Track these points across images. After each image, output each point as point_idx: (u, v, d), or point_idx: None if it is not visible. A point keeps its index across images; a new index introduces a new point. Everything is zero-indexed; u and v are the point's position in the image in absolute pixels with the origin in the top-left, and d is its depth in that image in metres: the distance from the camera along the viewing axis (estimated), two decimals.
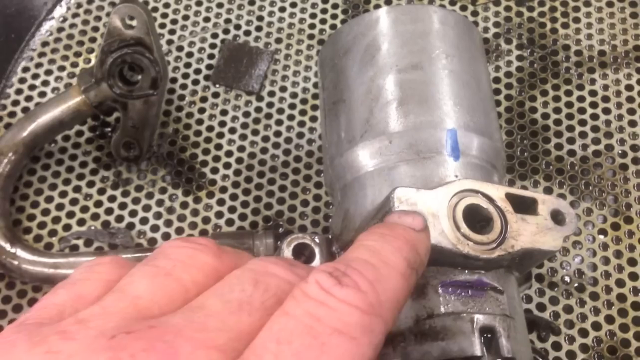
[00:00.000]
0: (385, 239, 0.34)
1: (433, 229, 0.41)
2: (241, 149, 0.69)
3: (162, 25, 0.75)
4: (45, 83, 0.73)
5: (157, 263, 0.32)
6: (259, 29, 0.75)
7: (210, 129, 0.70)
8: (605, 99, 0.69)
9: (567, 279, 0.62)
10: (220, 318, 0.29)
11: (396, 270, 0.32)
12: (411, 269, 0.33)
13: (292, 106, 0.71)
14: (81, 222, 0.66)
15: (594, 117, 0.69)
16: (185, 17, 0.75)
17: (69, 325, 0.29)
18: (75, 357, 0.27)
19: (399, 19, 0.54)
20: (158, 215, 0.66)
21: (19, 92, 0.72)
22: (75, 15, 0.76)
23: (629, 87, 0.70)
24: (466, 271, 0.44)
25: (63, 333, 0.28)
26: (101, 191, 0.67)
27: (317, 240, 0.50)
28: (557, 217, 0.45)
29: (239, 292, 0.30)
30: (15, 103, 0.72)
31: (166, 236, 0.65)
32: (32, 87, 0.72)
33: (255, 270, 0.32)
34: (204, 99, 0.71)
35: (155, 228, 0.66)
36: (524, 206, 0.45)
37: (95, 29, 0.75)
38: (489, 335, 0.42)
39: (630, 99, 0.69)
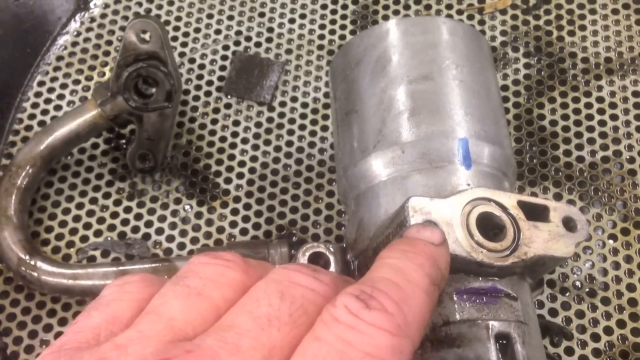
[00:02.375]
0: (407, 256, 0.35)
1: (447, 237, 0.42)
2: (254, 159, 0.70)
3: (175, 39, 0.76)
4: (60, 97, 0.74)
5: (188, 282, 0.32)
6: (269, 40, 0.76)
7: (223, 139, 0.71)
8: (613, 106, 0.70)
9: (578, 284, 0.63)
10: (252, 336, 0.29)
11: (420, 287, 0.33)
12: (434, 285, 0.34)
13: (304, 116, 0.72)
14: (98, 233, 0.67)
15: (602, 123, 0.69)
16: (197, 30, 0.77)
17: (108, 351, 0.29)
18: None
19: (408, 30, 0.55)
20: (173, 226, 0.67)
21: (35, 105, 0.73)
22: (89, 29, 0.77)
23: (636, 94, 0.70)
24: (480, 278, 0.45)
25: None
26: (117, 202, 0.68)
27: (331, 249, 0.51)
28: (568, 224, 0.45)
29: (267, 307, 0.30)
30: (32, 117, 0.73)
31: (181, 246, 0.66)
32: (48, 101, 0.74)
33: (279, 281, 0.32)
34: (216, 110, 0.73)
35: (170, 238, 0.67)
36: (536, 213, 0.46)
37: (109, 43, 0.76)
38: (504, 342, 0.43)
39: (637, 105, 0.70)
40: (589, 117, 0.70)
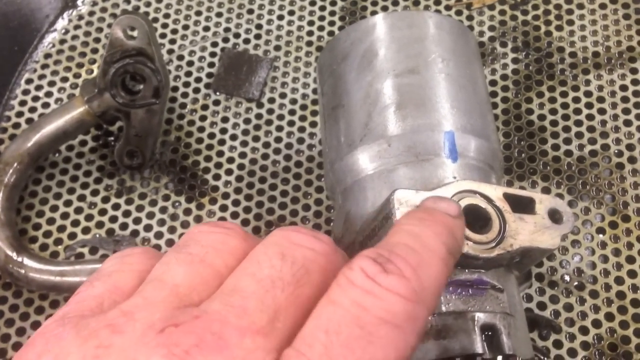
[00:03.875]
0: (424, 224, 0.34)
1: None
2: (242, 155, 0.70)
3: (163, 35, 0.76)
4: (48, 94, 0.74)
5: (190, 250, 0.32)
6: (258, 37, 0.76)
7: (211, 136, 0.71)
8: (601, 100, 0.70)
9: (566, 277, 0.63)
10: (257, 298, 0.29)
11: (437, 255, 0.33)
12: (450, 254, 0.34)
13: (292, 112, 0.72)
14: (86, 230, 0.67)
15: (590, 117, 0.69)
16: (185, 27, 0.77)
17: (115, 317, 0.29)
18: (127, 351, 0.27)
19: (395, 24, 0.55)
20: (162, 222, 0.67)
21: (22, 103, 0.73)
22: (77, 27, 0.77)
23: (624, 87, 0.71)
24: (466, 270, 0.45)
25: (112, 327, 0.28)
26: (105, 199, 0.68)
27: None
28: (554, 216, 0.46)
29: (269, 269, 0.30)
30: (19, 114, 0.73)
31: (170, 243, 0.66)
32: (35, 99, 0.73)
33: (278, 242, 0.32)
34: (205, 107, 0.72)
35: (159, 235, 0.67)
36: (522, 206, 0.46)
37: (97, 40, 0.76)
38: (490, 333, 0.43)
39: (625, 99, 0.70)
40: (577, 111, 0.70)
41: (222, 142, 0.71)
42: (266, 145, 0.70)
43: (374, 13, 0.76)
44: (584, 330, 0.61)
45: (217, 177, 0.69)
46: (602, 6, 0.75)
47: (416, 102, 0.51)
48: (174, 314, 0.29)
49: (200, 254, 0.32)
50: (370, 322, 0.28)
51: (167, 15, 0.77)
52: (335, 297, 0.29)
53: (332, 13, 0.77)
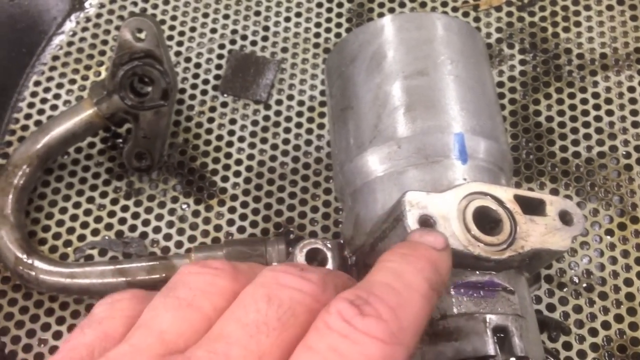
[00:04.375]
0: (407, 260, 0.34)
1: (444, 231, 0.42)
2: (250, 157, 0.70)
3: (170, 38, 0.76)
4: (56, 96, 0.74)
5: (178, 294, 0.32)
6: (265, 39, 0.76)
7: (219, 138, 0.71)
8: (608, 101, 0.70)
9: (575, 279, 0.63)
10: (241, 344, 0.29)
11: (418, 292, 0.32)
12: (433, 290, 0.33)
13: (300, 114, 0.72)
14: (95, 232, 0.67)
15: (598, 119, 0.69)
16: (193, 29, 0.77)
17: None
18: None
19: (403, 26, 0.55)
20: (170, 224, 0.67)
21: (31, 105, 0.73)
22: (84, 29, 0.77)
23: (631, 89, 0.71)
24: (477, 272, 0.45)
25: None
26: (114, 201, 0.68)
27: (329, 245, 0.51)
28: (565, 218, 0.46)
29: (255, 313, 0.30)
30: (28, 116, 0.73)
31: (179, 244, 0.66)
32: (44, 101, 0.74)
33: (266, 284, 0.32)
34: (212, 109, 0.73)
35: (168, 237, 0.67)
36: (532, 207, 0.46)
37: (105, 42, 0.76)
38: (502, 335, 0.43)
39: (633, 101, 0.70)
40: (585, 113, 0.70)
41: (230, 144, 0.71)
42: (274, 147, 0.70)
43: (380, 15, 0.76)
44: (593, 332, 0.61)
45: (225, 179, 0.69)
46: (610, 7, 0.75)
47: (425, 104, 0.51)
48: None
49: (188, 297, 0.32)
50: None
51: (174, 18, 0.77)
52: (311, 343, 0.29)
53: (339, 15, 0.77)
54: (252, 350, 0.29)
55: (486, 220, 0.45)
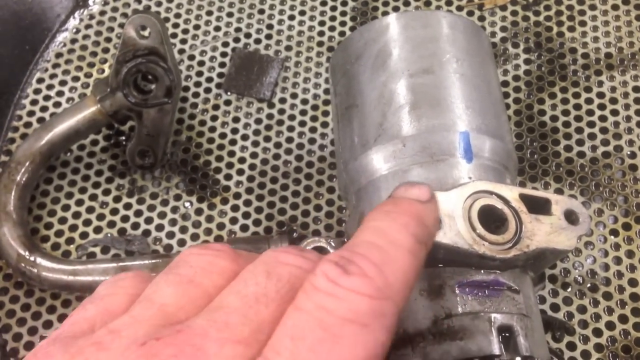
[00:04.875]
0: (390, 217, 0.34)
1: (449, 229, 0.42)
2: (254, 155, 0.70)
3: (174, 35, 0.76)
4: (59, 93, 0.74)
5: (180, 271, 0.33)
6: (269, 37, 0.76)
7: (223, 136, 0.71)
8: (613, 101, 0.70)
9: (579, 279, 0.62)
10: (240, 313, 0.30)
11: (404, 248, 0.33)
12: (420, 244, 0.34)
13: (303, 112, 0.72)
14: (98, 229, 0.67)
15: (602, 118, 0.69)
16: (197, 27, 0.77)
17: (102, 336, 0.30)
18: None
19: (409, 24, 0.55)
20: (173, 222, 0.67)
21: (34, 102, 0.73)
22: (88, 26, 0.77)
23: (636, 89, 0.70)
24: (482, 271, 0.45)
25: (98, 344, 0.29)
26: (117, 199, 0.68)
27: (333, 243, 0.51)
28: (570, 217, 0.45)
29: (254, 286, 0.31)
30: (31, 113, 0.73)
31: (182, 242, 0.66)
32: (46, 98, 0.73)
33: (266, 262, 0.33)
34: (216, 107, 0.72)
35: (170, 235, 0.66)
36: (538, 206, 0.45)
37: (108, 40, 0.76)
38: (507, 335, 0.43)
39: (638, 101, 0.70)
40: (590, 113, 0.70)
41: (233, 142, 0.70)
42: (277, 145, 0.70)
43: (385, 13, 0.76)
44: (597, 332, 0.60)
45: (228, 177, 0.69)
46: (615, 7, 0.74)
47: (431, 102, 0.51)
48: (158, 329, 0.30)
49: (189, 274, 0.33)
50: (335, 323, 0.28)
51: (178, 15, 0.77)
52: (300, 304, 0.30)
53: (343, 13, 0.77)
54: (251, 319, 0.30)
55: (491, 219, 0.45)
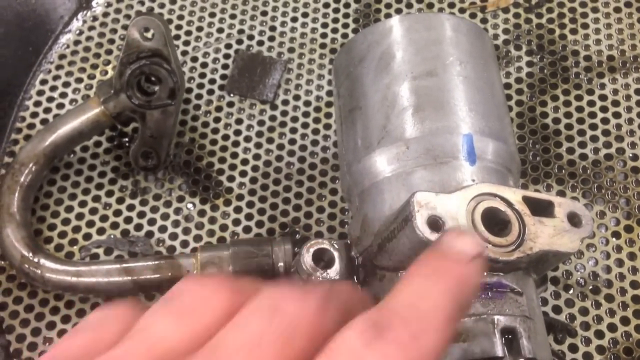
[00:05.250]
0: (434, 277, 0.32)
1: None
2: (257, 157, 0.70)
3: (177, 37, 0.76)
4: (63, 95, 0.74)
5: (177, 303, 0.31)
6: (271, 39, 0.76)
7: (226, 137, 0.71)
8: (615, 103, 0.70)
9: (581, 281, 0.63)
10: (240, 354, 0.29)
11: (444, 316, 0.31)
12: (459, 310, 0.32)
13: (306, 114, 0.72)
14: (101, 231, 0.67)
15: (605, 121, 0.69)
16: (199, 29, 0.77)
17: None
18: None
19: (412, 27, 0.55)
20: (176, 224, 0.67)
21: (37, 104, 0.73)
22: (91, 28, 0.77)
23: (639, 91, 0.71)
24: (485, 273, 0.45)
25: None
26: (120, 200, 0.68)
27: (336, 245, 0.51)
28: (573, 219, 0.46)
29: (256, 325, 0.30)
30: (35, 115, 0.73)
31: (184, 244, 0.66)
32: (50, 99, 0.74)
33: (269, 298, 0.31)
34: (219, 109, 0.73)
35: (173, 236, 0.67)
36: (541, 209, 0.46)
37: (111, 42, 0.76)
38: (510, 337, 0.43)
39: None
40: (592, 115, 0.70)
41: (236, 144, 0.71)
42: (280, 147, 0.70)
43: (387, 16, 0.76)
44: (599, 334, 0.61)
45: (231, 178, 0.69)
46: (617, 10, 0.75)
47: (434, 105, 0.51)
48: None
49: (187, 307, 0.31)
50: None
51: (181, 17, 0.77)
52: (328, 356, 0.28)
53: (346, 15, 0.77)
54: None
55: (494, 221, 0.45)
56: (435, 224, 0.43)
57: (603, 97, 0.70)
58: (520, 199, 0.45)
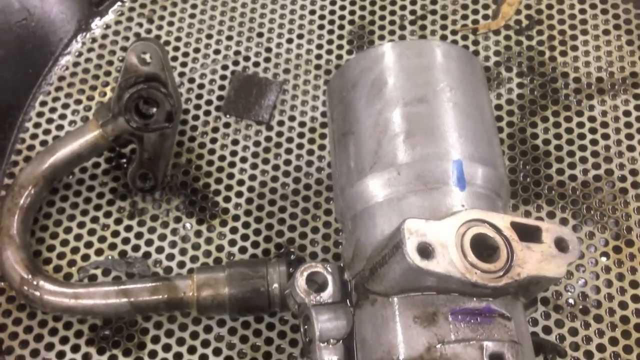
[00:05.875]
0: None
1: (442, 259, 0.43)
2: (252, 177, 0.71)
3: (174, 59, 0.77)
4: (62, 116, 0.75)
5: None
6: (267, 60, 0.77)
7: (222, 158, 0.72)
8: (604, 125, 0.71)
9: (571, 301, 0.64)
10: None
11: None
12: None
13: (301, 135, 0.73)
14: (99, 252, 0.68)
15: (594, 142, 0.71)
16: (196, 50, 0.78)
17: None
18: None
19: (403, 53, 0.56)
20: (173, 244, 0.68)
21: (37, 125, 0.75)
22: (90, 50, 0.78)
23: (627, 113, 0.72)
24: (475, 299, 0.46)
25: None
26: (118, 221, 0.69)
27: (329, 268, 0.52)
28: (560, 244, 0.47)
29: None
30: (34, 136, 0.74)
31: (181, 264, 0.67)
32: (50, 121, 0.75)
33: None
34: (215, 130, 0.74)
35: (170, 257, 0.68)
36: (529, 234, 0.47)
37: (110, 63, 0.78)
38: None
39: (628, 125, 0.71)
40: (581, 136, 0.71)
41: (232, 165, 0.72)
42: (276, 167, 0.71)
43: (381, 37, 0.78)
44: (588, 355, 0.62)
45: (227, 199, 0.70)
46: (606, 32, 0.76)
47: (425, 131, 0.52)
48: None
49: None
50: None
51: (178, 39, 0.79)
52: None
53: (341, 37, 0.78)
54: None
55: (484, 247, 0.46)
56: (425, 250, 0.44)
57: (592, 119, 0.72)
58: (509, 224, 0.47)
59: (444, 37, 0.77)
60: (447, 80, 0.55)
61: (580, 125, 0.72)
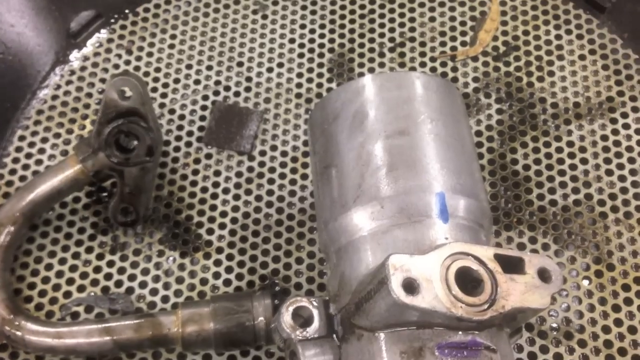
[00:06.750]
0: None
1: (427, 293, 0.44)
2: (235, 209, 0.71)
3: (154, 89, 0.77)
4: (41, 151, 0.74)
5: None
6: (247, 89, 0.77)
7: (204, 190, 0.72)
8: (582, 150, 0.72)
9: (555, 326, 0.64)
10: None
11: None
12: None
13: (283, 164, 0.73)
14: (81, 288, 0.67)
15: (573, 167, 0.72)
16: (176, 81, 0.78)
17: None
18: None
19: (384, 85, 0.57)
20: (156, 279, 0.67)
21: (15, 160, 0.74)
22: (69, 82, 0.78)
23: (604, 137, 0.73)
24: (460, 332, 0.46)
25: None
26: (100, 256, 0.68)
27: (315, 302, 0.52)
28: (543, 275, 0.47)
29: None
30: (13, 172, 0.73)
31: (165, 299, 0.67)
32: (29, 156, 0.74)
33: None
34: (197, 161, 0.74)
35: (154, 291, 0.67)
36: (512, 265, 0.47)
37: (89, 95, 0.77)
38: None
39: (606, 149, 0.72)
40: (560, 161, 0.72)
41: (214, 196, 0.72)
42: (258, 198, 0.71)
43: (361, 65, 0.78)
44: None
45: (210, 231, 0.70)
46: (582, 57, 0.77)
47: (407, 164, 0.53)
48: None
49: None
50: None
51: (158, 69, 0.78)
52: None
53: (321, 65, 0.79)
54: None
55: (468, 279, 0.46)
56: (410, 286, 0.44)
57: (570, 144, 0.73)
58: (492, 256, 0.47)
59: (423, 64, 0.78)
60: (428, 112, 0.55)
61: (559, 150, 0.73)
